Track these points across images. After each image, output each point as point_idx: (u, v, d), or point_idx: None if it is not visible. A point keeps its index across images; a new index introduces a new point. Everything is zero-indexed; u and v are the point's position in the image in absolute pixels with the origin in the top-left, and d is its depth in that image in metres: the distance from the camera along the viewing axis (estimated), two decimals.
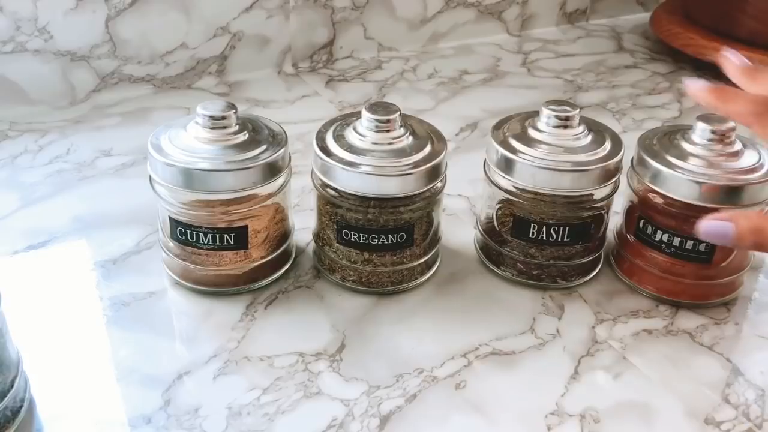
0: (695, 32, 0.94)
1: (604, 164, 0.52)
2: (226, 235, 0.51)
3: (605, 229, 0.56)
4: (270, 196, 0.52)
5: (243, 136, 0.51)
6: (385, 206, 0.51)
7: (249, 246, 0.52)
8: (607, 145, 0.53)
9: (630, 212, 0.56)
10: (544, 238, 0.54)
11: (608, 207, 0.55)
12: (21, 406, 0.43)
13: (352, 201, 0.51)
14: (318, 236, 0.56)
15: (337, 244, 0.54)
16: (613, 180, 0.53)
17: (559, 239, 0.54)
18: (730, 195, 0.50)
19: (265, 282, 0.55)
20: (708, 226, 0.43)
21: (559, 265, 0.55)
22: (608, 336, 0.52)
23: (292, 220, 0.57)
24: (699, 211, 0.49)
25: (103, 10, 0.78)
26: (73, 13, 0.77)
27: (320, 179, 0.52)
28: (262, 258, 0.54)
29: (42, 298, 0.54)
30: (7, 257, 0.58)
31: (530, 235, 0.54)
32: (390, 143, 0.51)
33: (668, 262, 0.54)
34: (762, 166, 0.51)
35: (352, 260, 0.54)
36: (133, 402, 0.46)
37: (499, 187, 0.54)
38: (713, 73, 0.96)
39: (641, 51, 1.02)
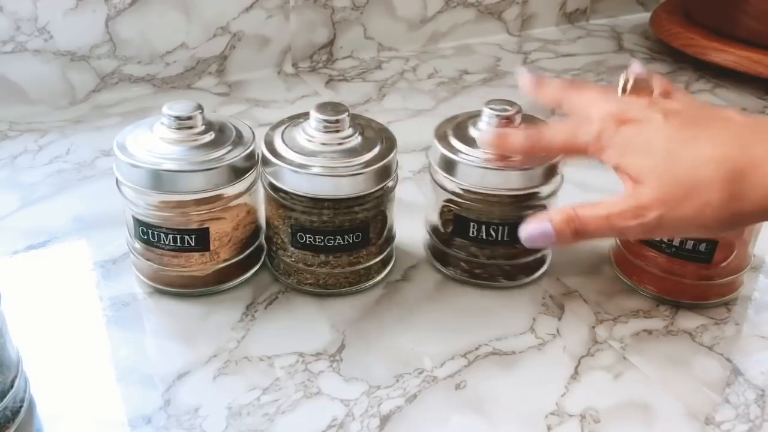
0: (695, 32, 0.94)
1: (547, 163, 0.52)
2: (186, 236, 0.51)
3: None
4: (237, 196, 0.51)
5: (209, 137, 0.51)
6: (340, 207, 0.51)
7: (210, 247, 0.52)
8: None
9: None
10: (484, 237, 0.54)
11: (549, 207, 0.55)
12: (21, 406, 0.43)
13: (305, 203, 0.51)
14: (270, 240, 0.55)
15: (292, 248, 0.53)
16: (557, 175, 0.54)
17: (499, 238, 0.54)
18: None
19: (235, 283, 0.54)
20: (528, 230, 0.45)
21: (501, 264, 0.55)
22: (608, 336, 0.52)
23: (261, 222, 0.56)
24: None
25: (103, 10, 0.78)
26: (73, 13, 0.77)
27: (270, 182, 0.51)
28: (226, 261, 0.53)
29: (42, 298, 0.54)
30: (7, 257, 0.58)
31: (470, 234, 0.54)
32: (340, 143, 0.51)
33: (668, 262, 0.54)
34: None
35: (309, 263, 0.53)
36: (133, 402, 0.46)
37: (444, 189, 0.54)
38: (713, 72, 0.96)
39: (641, 51, 1.02)
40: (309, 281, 0.54)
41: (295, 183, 0.50)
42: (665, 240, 0.53)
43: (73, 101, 0.81)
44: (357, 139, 0.52)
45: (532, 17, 1.06)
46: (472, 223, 0.53)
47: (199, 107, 0.51)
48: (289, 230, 0.52)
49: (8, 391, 0.42)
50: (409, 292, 0.56)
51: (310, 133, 0.51)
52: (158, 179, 0.49)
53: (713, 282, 0.54)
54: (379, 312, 0.53)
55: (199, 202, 0.50)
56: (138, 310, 0.53)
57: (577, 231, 0.44)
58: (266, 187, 0.52)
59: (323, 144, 0.51)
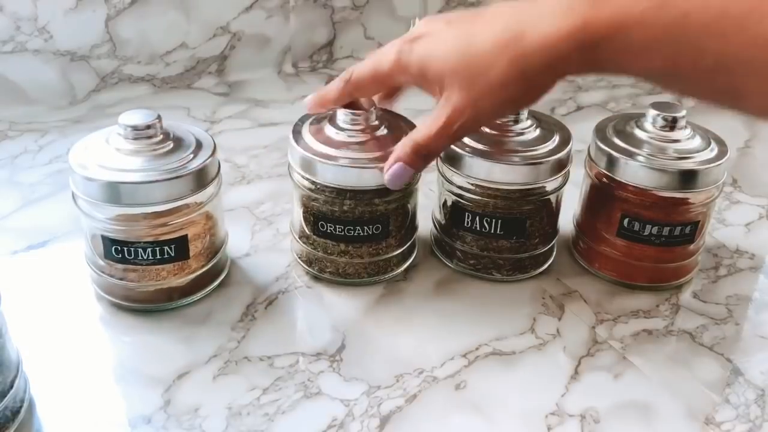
0: None
1: (553, 157, 0.52)
2: (166, 248, 0.50)
3: (549, 229, 0.56)
4: (202, 204, 0.50)
5: (168, 146, 0.49)
6: (361, 198, 0.51)
7: (190, 255, 0.51)
8: (556, 137, 0.54)
9: (589, 201, 0.57)
10: (477, 229, 0.54)
11: (554, 204, 0.55)
12: (21, 406, 0.43)
13: (328, 193, 0.51)
14: (297, 230, 0.56)
15: (314, 236, 0.54)
16: (564, 171, 0.54)
17: (491, 231, 0.54)
18: (684, 179, 0.52)
19: (205, 292, 0.53)
20: (388, 176, 0.49)
21: (494, 257, 0.55)
22: (608, 336, 0.52)
23: (224, 229, 0.55)
24: (656, 197, 0.52)
25: (103, 10, 0.78)
26: (73, 13, 0.77)
27: (297, 172, 0.53)
28: (195, 270, 0.52)
29: (42, 298, 0.54)
30: (7, 257, 0.58)
31: (465, 225, 0.55)
32: (366, 136, 0.52)
33: (627, 246, 0.55)
34: (711, 150, 0.53)
35: (329, 252, 0.54)
36: (133, 402, 0.46)
37: (451, 182, 0.55)
38: None
39: None
40: (329, 269, 0.55)
41: (320, 173, 0.51)
42: (653, 233, 0.54)
43: (73, 101, 0.81)
44: (383, 132, 0.52)
45: None
46: (467, 214, 0.54)
47: (156, 116, 0.49)
48: (312, 219, 0.53)
49: (8, 391, 0.42)
50: (409, 292, 0.56)
51: (338, 126, 0.52)
52: (123, 192, 0.47)
53: (669, 265, 0.56)
54: (379, 312, 0.53)
55: (169, 212, 0.49)
56: (138, 310, 0.53)
57: (426, 156, 0.48)
58: (292, 176, 0.53)
59: (350, 137, 0.52)
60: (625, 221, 0.54)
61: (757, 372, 0.49)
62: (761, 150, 0.78)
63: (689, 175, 0.52)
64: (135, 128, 0.48)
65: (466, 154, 0.52)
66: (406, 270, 0.57)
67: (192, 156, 0.49)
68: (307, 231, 0.54)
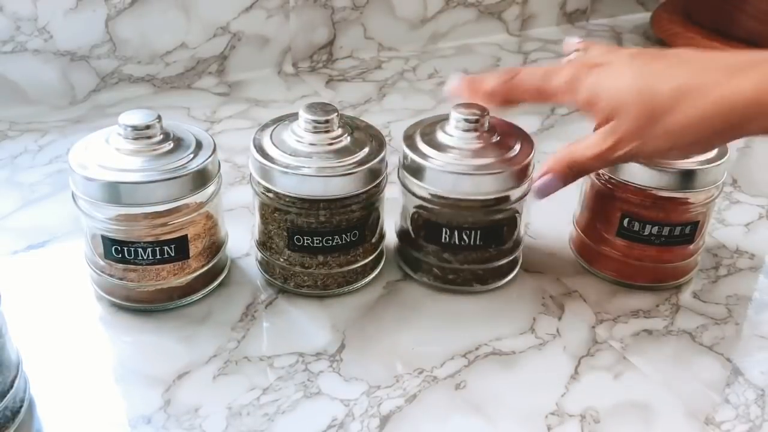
0: (695, 32, 0.94)
1: (517, 165, 0.51)
2: (166, 248, 0.50)
3: (519, 232, 0.55)
4: (202, 204, 0.50)
5: (168, 146, 0.49)
6: (335, 206, 0.50)
7: (190, 255, 0.51)
8: (517, 146, 0.52)
9: (589, 201, 0.57)
10: (456, 243, 0.53)
11: (521, 209, 0.54)
12: (21, 406, 0.43)
13: (299, 205, 0.50)
14: (264, 245, 0.54)
15: (288, 251, 0.53)
16: (527, 179, 0.53)
17: (471, 243, 0.53)
18: (684, 179, 0.52)
19: (205, 292, 0.53)
20: (537, 186, 0.50)
21: (474, 268, 0.55)
22: (608, 336, 0.52)
23: (225, 229, 0.55)
24: (656, 197, 0.53)
25: (103, 9, 0.78)
26: (73, 13, 0.77)
27: (264, 185, 0.51)
28: (195, 270, 0.52)
29: (42, 298, 0.54)
30: (7, 257, 0.58)
31: (443, 240, 0.53)
32: (331, 143, 0.51)
33: (628, 246, 0.55)
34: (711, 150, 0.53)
35: (306, 266, 0.53)
36: (133, 402, 0.46)
37: (414, 194, 0.53)
38: None
39: None
40: (307, 284, 0.54)
41: (289, 185, 0.50)
42: (653, 233, 0.54)
43: (73, 101, 0.81)
44: (347, 139, 0.52)
45: (532, 17, 1.06)
46: (444, 229, 0.53)
47: (156, 116, 0.49)
48: (285, 233, 0.52)
49: (8, 391, 0.42)
50: (409, 292, 0.56)
51: (300, 134, 0.51)
52: (124, 192, 0.47)
53: (669, 265, 0.56)
54: (379, 312, 0.53)
55: (170, 212, 0.49)
56: (138, 310, 0.53)
57: (578, 172, 0.49)
58: (258, 192, 0.52)
59: (313, 144, 0.50)
60: (625, 221, 0.54)
61: (757, 372, 0.49)
62: (761, 150, 0.78)
63: (689, 175, 0.52)
64: (135, 128, 0.48)
65: (430, 165, 0.51)
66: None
67: (192, 156, 0.49)
68: (279, 246, 0.53)
